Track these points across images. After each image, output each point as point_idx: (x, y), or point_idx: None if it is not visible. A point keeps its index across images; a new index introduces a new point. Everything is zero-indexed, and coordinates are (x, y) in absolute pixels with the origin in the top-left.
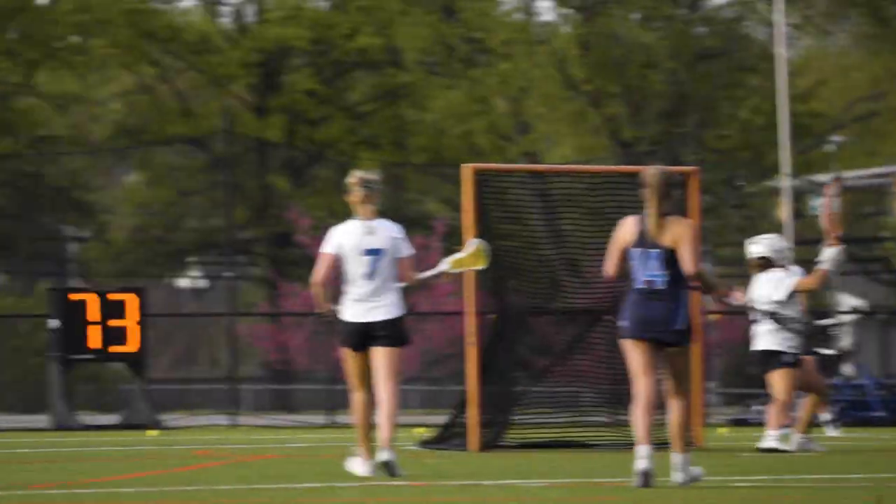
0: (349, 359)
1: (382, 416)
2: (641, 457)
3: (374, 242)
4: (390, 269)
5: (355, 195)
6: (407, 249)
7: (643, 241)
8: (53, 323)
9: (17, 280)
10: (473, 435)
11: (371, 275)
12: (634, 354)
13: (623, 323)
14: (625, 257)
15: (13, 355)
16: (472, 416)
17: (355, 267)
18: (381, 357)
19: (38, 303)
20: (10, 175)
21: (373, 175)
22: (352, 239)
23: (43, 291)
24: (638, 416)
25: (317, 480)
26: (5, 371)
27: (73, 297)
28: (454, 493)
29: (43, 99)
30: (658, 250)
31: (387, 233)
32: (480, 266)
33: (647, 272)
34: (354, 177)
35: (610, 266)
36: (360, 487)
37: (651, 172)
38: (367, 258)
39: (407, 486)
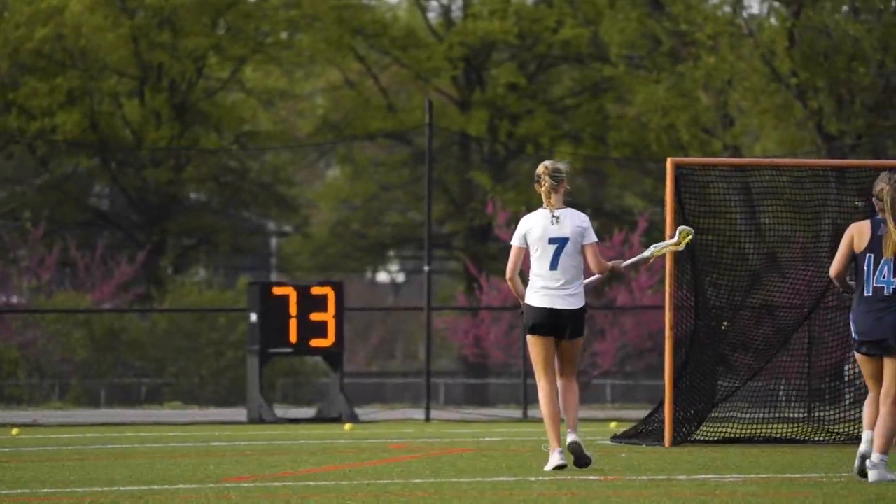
0: (534, 344)
1: (568, 403)
2: (865, 441)
3: (560, 231)
4: (576, 258)
5: (543, 185)
6: (591, 237)
7: (876, 247)
8: (253, 317)
9: (218, 274)
10: (668, 430)
11: (555, 263)
12: (865, 367)
13: (855, 336)
14: (852, 261)
15: (212, 349)
16: (668, 411)
17: (541, 256)
18: (567, 349)
19: (239, 297)
20: (215, 170)
21: (561, 164)
22: (537, 228)
23: (243, 285)
24: (865, 407)
25: (509, 474)
26: (203, 365)
27: (277, 291)
28: (646, 487)
29: (249, 94)
30: (891, 257)
31: (572, 221)
32: (680, 248)
33: (878, 278)
34: (542, 167)
35: (837, 268)
36: (552, 481)
37: (885, 189)
38: (552, 247)
39: (598, 481)
